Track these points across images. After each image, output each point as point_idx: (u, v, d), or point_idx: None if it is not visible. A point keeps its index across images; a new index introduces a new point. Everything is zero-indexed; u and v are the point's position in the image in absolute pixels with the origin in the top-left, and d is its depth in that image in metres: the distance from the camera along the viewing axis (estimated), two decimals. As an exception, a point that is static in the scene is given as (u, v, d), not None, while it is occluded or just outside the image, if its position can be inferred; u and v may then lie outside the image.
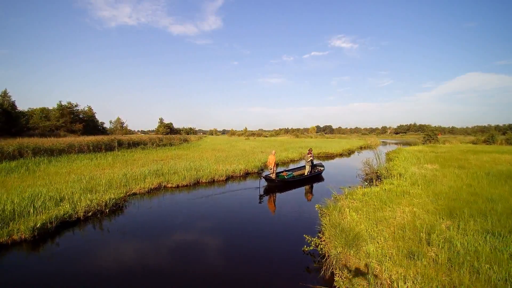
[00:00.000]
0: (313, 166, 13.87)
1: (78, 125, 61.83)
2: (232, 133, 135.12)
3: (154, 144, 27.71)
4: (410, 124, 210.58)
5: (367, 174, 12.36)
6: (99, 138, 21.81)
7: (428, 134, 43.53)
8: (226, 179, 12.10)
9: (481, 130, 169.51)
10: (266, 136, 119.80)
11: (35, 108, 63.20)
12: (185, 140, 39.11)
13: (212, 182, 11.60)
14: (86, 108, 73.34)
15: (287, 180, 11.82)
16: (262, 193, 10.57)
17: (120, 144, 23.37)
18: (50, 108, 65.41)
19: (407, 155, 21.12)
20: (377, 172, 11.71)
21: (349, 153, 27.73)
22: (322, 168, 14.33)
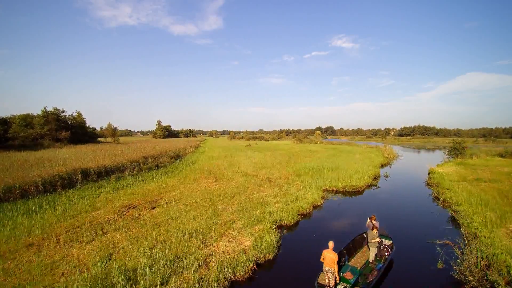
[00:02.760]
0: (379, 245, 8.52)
1: (64, 133, 56.63)
2: (232, 136, 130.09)
3: (136, 169, 22.37)
4: (414, 126, 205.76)
5: (470, 272, 7.04)
6: (54, 170, 16.48)
7: (455, 147, 38.12)
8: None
9: (488, 133, 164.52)
10: (268, 140, 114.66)
11: (17, 114, 57.95)
12: (178, 157, 33.76)
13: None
14: (75, 114, 68.26)
15: None
16: None
17: (87, 175, 18.06)
18: (35, 114, 60.48)
19: (466, 195, 15.83)
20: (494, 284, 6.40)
21: (375, 178, 22.47)
22: (389, 243, 8.98)
